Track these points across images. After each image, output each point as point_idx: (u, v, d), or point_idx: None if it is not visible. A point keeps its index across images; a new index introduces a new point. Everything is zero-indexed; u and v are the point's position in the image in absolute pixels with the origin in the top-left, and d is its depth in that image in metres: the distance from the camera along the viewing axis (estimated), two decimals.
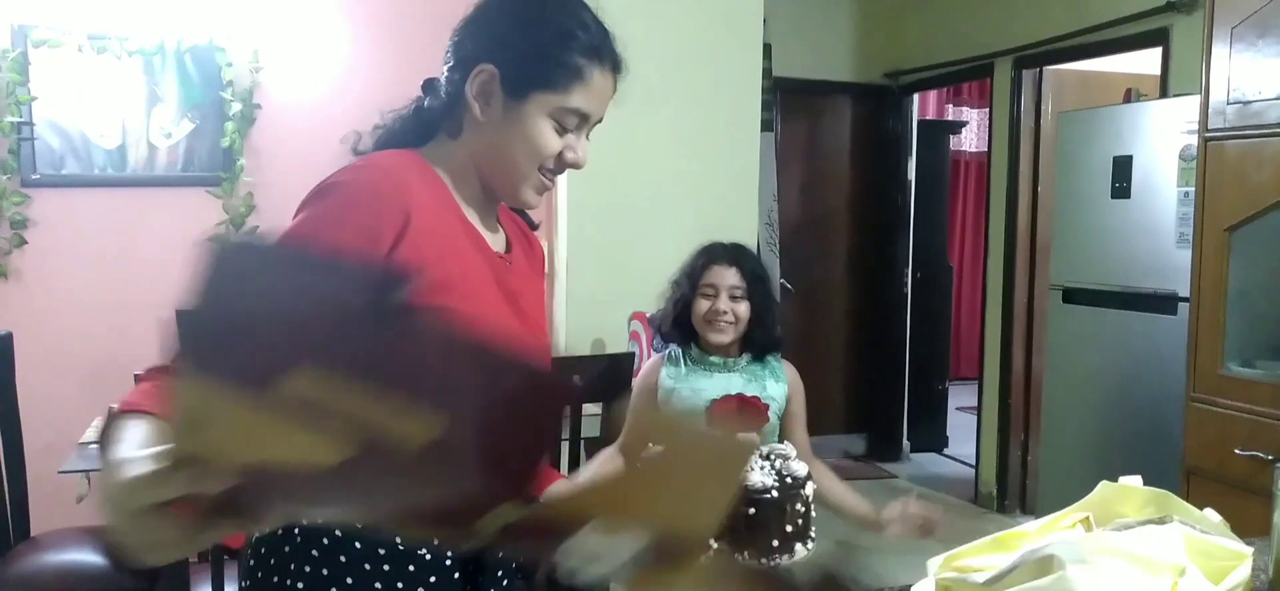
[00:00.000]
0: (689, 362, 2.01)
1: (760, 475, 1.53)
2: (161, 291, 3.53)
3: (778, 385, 2.02)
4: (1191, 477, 2.59)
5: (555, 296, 3.65)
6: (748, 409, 1.92)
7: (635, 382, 2.07)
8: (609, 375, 2.49)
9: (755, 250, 2.10)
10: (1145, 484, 1.41)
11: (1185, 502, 1.33)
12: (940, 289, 6.01)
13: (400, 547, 1.13)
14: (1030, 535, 1.32)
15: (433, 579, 1.16)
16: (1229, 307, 2.48)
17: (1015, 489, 4.97)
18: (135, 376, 1.11)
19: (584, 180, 3.18)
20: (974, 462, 5.04)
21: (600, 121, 1.23)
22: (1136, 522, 1.31)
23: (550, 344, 1.38)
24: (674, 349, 2.05)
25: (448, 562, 1.16)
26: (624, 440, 1.91)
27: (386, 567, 1.14)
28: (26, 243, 3.41)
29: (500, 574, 1.23)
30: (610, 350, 3.29)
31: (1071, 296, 3.25)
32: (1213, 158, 2.51)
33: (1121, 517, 1.36)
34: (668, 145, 3.62)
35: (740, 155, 3.67)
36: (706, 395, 1.96)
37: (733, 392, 1.96)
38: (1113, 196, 3.03)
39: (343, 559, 1.13)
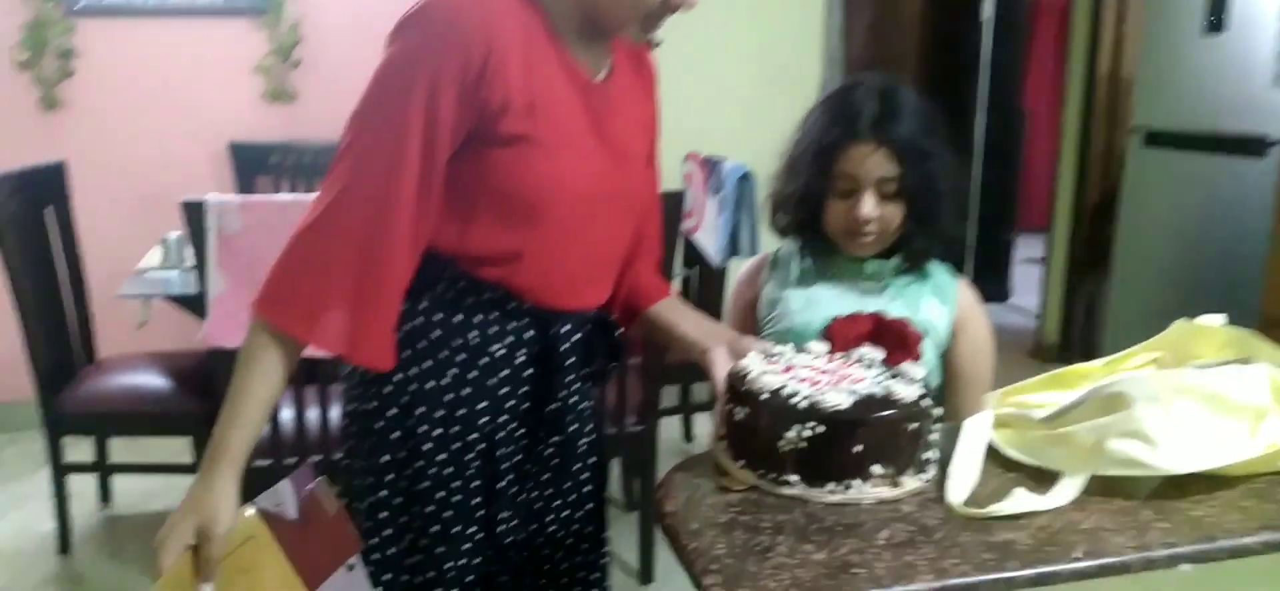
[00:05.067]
0: (810, 265, 1.47)
1: (835, 393, 1.02)
2: (207, 121, 3.52)
3: (942, 308, 1.45)
4: (1270, 329, 2.45)
5: None
6: (888, 335, 1.27)
7: (729, 300, 1.58)
8: None
9: (850, 93, 1.41)
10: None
11: (1271, 344, 1.24)
12: (1012, 135, 5.76)
13: (476, 341, 1.19)
14: (1095, 372, 1.25)
15: (505, 373, 1.21)
16: None
17: (1078, 341, 4.85)
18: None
19: None
20: (1038, 313, 4.92)
21: None
22: (1215, 364, 1.22)
23: (641, 169, 1.30)
24: (783, 248, 1.52)
25: (520, 359, 1.21)
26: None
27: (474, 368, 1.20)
28: (74, 73, 3.40)
29: (571, 378, 1.26)
30: (664, 188, 3.20)
31: (1154, 140, 3.07)
32: None
33: (1198, 359, 1.27)
34: None
35: None
36: (826, 310, 1.39)
37: (866, 310, 1.32)
38: (1205, 31, 2.81)
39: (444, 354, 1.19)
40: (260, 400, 1.09)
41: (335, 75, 3.38)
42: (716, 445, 1.09)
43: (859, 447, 1.00)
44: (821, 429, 0.98)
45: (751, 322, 1.49)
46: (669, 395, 3.20)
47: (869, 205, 1.36)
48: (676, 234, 2.47)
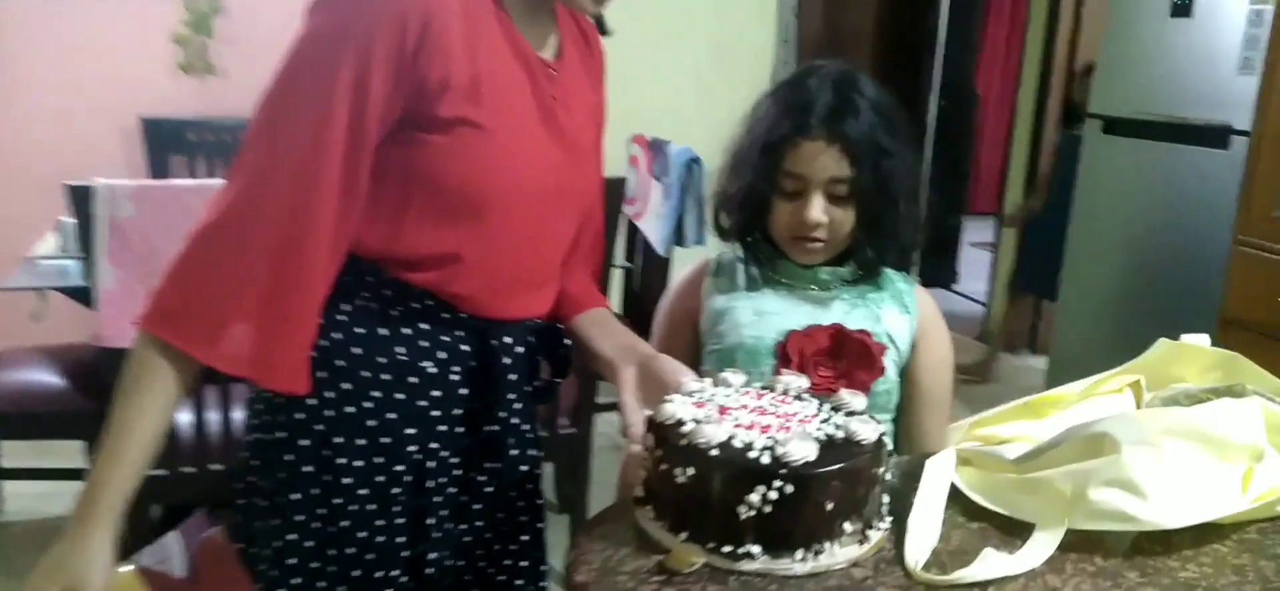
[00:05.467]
0: (756, 272, 1.33)
1: (799, 442, 0.85)
2: (116, 94, 3.27)
3: (902, 318, 1.31)
4: (1228, 328, 2.38)
5: None
6: (849, 350, 1.21)
7: (665, 305, 1.40)
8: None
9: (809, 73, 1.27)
10: (1174, 332, 1.19)
11: (1258, 368, 1.12)
12: (964, 117, 5.68)
13: (404, 357, 1.05)
14: (1069, 400, 1.12)
15: (437, 393, 1.07)
16: None
17: (1024, 330, 4.80)
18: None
19: None
20: (985, 301, 4.87)
21: None
22: (1199, 390, 1.10)
23: (591, 163, 1.17)
24: (726, 253, 1.37)
25: (454, 376, 1.08)
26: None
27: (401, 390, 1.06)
28: None
29: (512, 396, 1.12)
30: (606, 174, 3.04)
31: (1113, 127, 2.97)
32: None
33: (1179, 382, 1.15)
34: None
35: None
36: (779, 323, 1.26)
37: (823, 323, 1.25)
38: (1172, 14, 2.71)
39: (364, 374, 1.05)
40: (144, 437, 0.94)
41: (261, 46, 3.14)
42: (640, 512, 0.92)
43: (831, 504, 0.85)
44: (790, 488, 0.82)
45: (688, 338, 1.33)
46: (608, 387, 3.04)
47: (817, 208, 1.22)
48: (618, 220, 2.32)
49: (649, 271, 3.03)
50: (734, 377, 0.99)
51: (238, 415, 2.07)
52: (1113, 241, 3.05)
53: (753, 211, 1.28)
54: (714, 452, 0.84)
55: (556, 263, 1.16)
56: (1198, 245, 2.71)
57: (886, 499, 0.93)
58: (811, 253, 1.26)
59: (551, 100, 1.06)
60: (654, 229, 2.91)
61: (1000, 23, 7.47)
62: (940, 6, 5.25)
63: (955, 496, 1.00)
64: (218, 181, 1.07)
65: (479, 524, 1.16)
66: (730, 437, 0.86)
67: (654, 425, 0.89)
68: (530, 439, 1.17)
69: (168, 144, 3.24)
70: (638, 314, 2.97)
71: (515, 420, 1.14)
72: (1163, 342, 1.15)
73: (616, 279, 3.18)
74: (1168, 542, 0.92)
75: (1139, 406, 1.14)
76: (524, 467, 1.17)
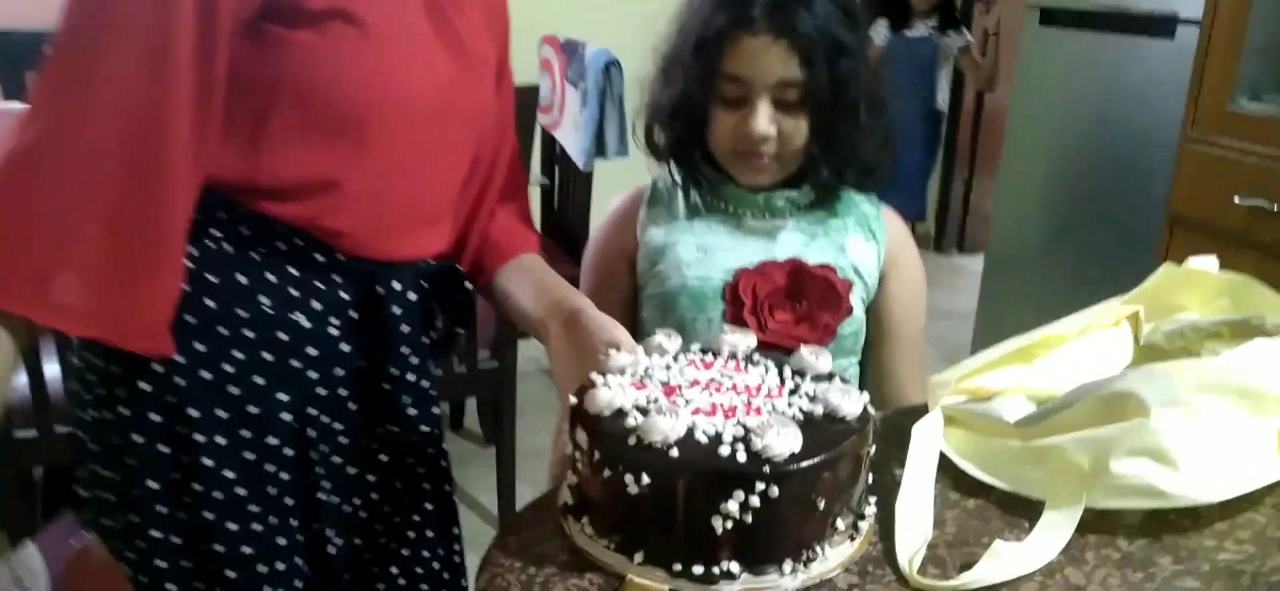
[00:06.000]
0: (697, 199, 1.14)
1: (779, 431, 0.66)
2: None
3: (868, 247, 1.13)
4: (1176, 227, 2.29)
5: None
6: (809, 289, 1.06)
7: (594, 244, 1.20)
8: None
9: None
10: (1117, 230, 1.05)
11: (1271, 292, 0.98)
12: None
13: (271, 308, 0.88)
14: (1063, 340, 0.96)
15: (313, 351, 0.90)
16: (1250, 32, 2.08)
17: (954, 229, 4.75)
18: None
19: None
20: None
21: None
22: (1208, 323, 0.96)
23: (491, 80, 0.98)
24: (662, 177, 1.18)
25: (334, 330, 0.91)
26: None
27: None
28: None
29: (405, 350, 0.95)
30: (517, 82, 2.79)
31: (1050, 17, 2.84)
32: None
33: (1183, 311, 1.01)
34: None
35: None
36: (726, 260, 1.09)
37: (778, 258, 1.09)
38: None
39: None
40: None
41: None
42: (573, 527, 0.72)
43: (822, 501, 0.67)
44: (774, 489, 0.65)
45: (624, 282, 1.14)
46: None
47: (763, 117, 1.05)
48: (532, 131, 2.10)
49: (569, 187, 2.81)
50: (669, 342, 0.81)
51: None
52: (1051, 137, 2.94)
53: (688, 125, 1.10)
54: (675, 453, 0.66)
55: (450, 194, 0.98)
56: (1143, 140, 2.60)
57: (870, 477, 0.77)
58: (758, 169, 1.08)
59: (444, 2, 0.89)
60: (572, 140, 2.69)
61: None
62: None
63: (944, 465, 0.84)
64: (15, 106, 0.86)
65: (375, 497, 0.99)
66: (691, 430, 0.68)
67: (586, 417, 0.70)
68: (431, 397, 0.99)
69: None
70: (559, 236, 2.76)
71: (411, 376, 0.95)
72: (1165, 268, 1.01)
73: (534, 197, 2.96)
74: (1196, 515, 0.78)
75: (1138, 342, 0.99)
76: (424, 428, 0.99)
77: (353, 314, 0.91)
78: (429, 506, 1.03)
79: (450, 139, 0.94)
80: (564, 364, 0.89)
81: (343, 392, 0.93)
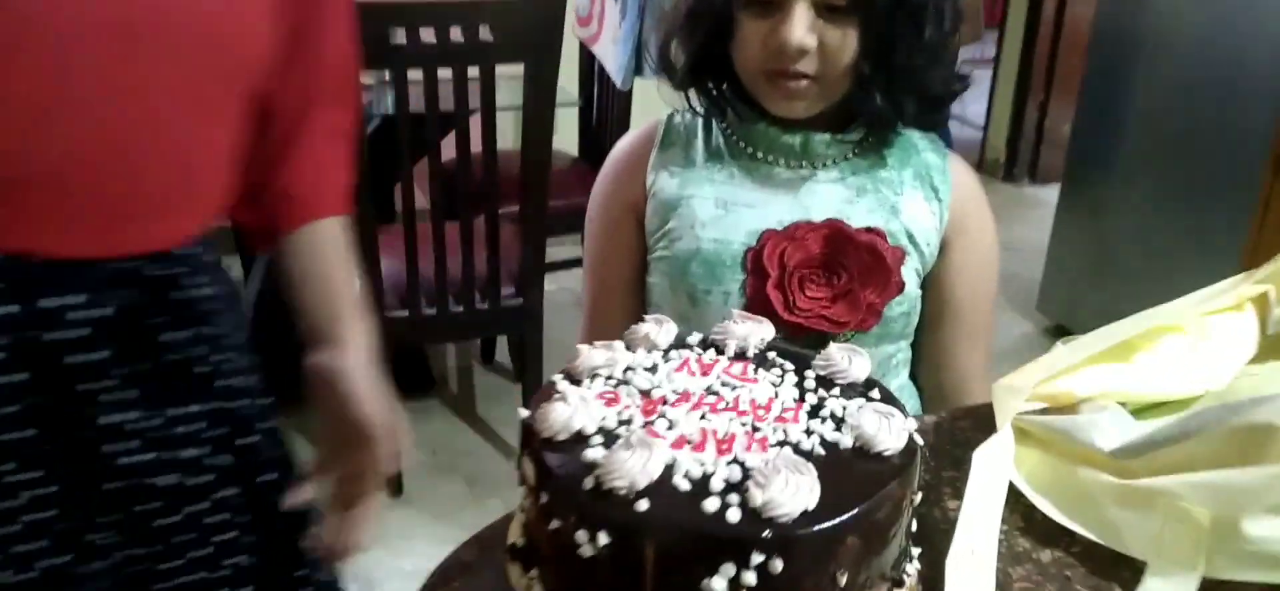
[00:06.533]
0: (719, 140, 0.94)
1: (784, 480, 0.48)
2: None
3: (929, 208, 0.92)
4: None
5: None
6: (851, 256, 0.86)
7: (598, 193, 1.01)
8: (534, 23, 1.83)
9: None
10: (1212, 169, 0.83)
11: None
12: None
13: None
14: (1175, 329, 0.76)
15: None
16: None
17: (1026, 156, 4.46)
18: None
19: None
20: (982, 125, 4.49)
21: None
22: None
23: None
24: (681, 114, 0.98)
25: None
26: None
27: None
28: None
29: (106, 385, 0.71)
30: None
31: None
32: None
33: None
34: None
35: None
36: (751, 220, 0.89)
37: (814, 218, 0.88)
38: None
39: None
40: None
41: None
42: (520, 580, 0.55)
43: (845, 575, 0.50)
44: (778, 562, 0.46)
45: (630, 241, 0.96)
46: (567, 245, 2.67)
47: (800, 25, 0.83)
48: (560, 44, 1.90)
49: (607, 107, 2.61)
50: (659, 332, 0.62)
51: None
52: (1141, 56, 2.64)
53: (710, 38, 0.89)
54: (643, 505, 0.48)
55: (201, 166, 0.73)
56: (1249, 65, 2.30)
57: (914, 523, 0.59)
58: (794, 94, 0.87)
59: None
60: (611, 56, 2.48)
61: None
62: None
63: (1014, 496, 0.66)
64: None
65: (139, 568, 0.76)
66: (669, 471, 0.50)
67: (534, 440, 0.53)
68: (190, 439, 0.76)
69: None
70: (597, 160, 2.57)
71: (121, 418, 0.72)
72: None
73: (570, 119, 2.76)
74: None
75: (1264, 332, 0.79)
76: (195, 481, 0.76)
77: (12, 339, 0.67)
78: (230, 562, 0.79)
79: (155, 74, 0.66)
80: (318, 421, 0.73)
81: (28, 449, 0.69)
